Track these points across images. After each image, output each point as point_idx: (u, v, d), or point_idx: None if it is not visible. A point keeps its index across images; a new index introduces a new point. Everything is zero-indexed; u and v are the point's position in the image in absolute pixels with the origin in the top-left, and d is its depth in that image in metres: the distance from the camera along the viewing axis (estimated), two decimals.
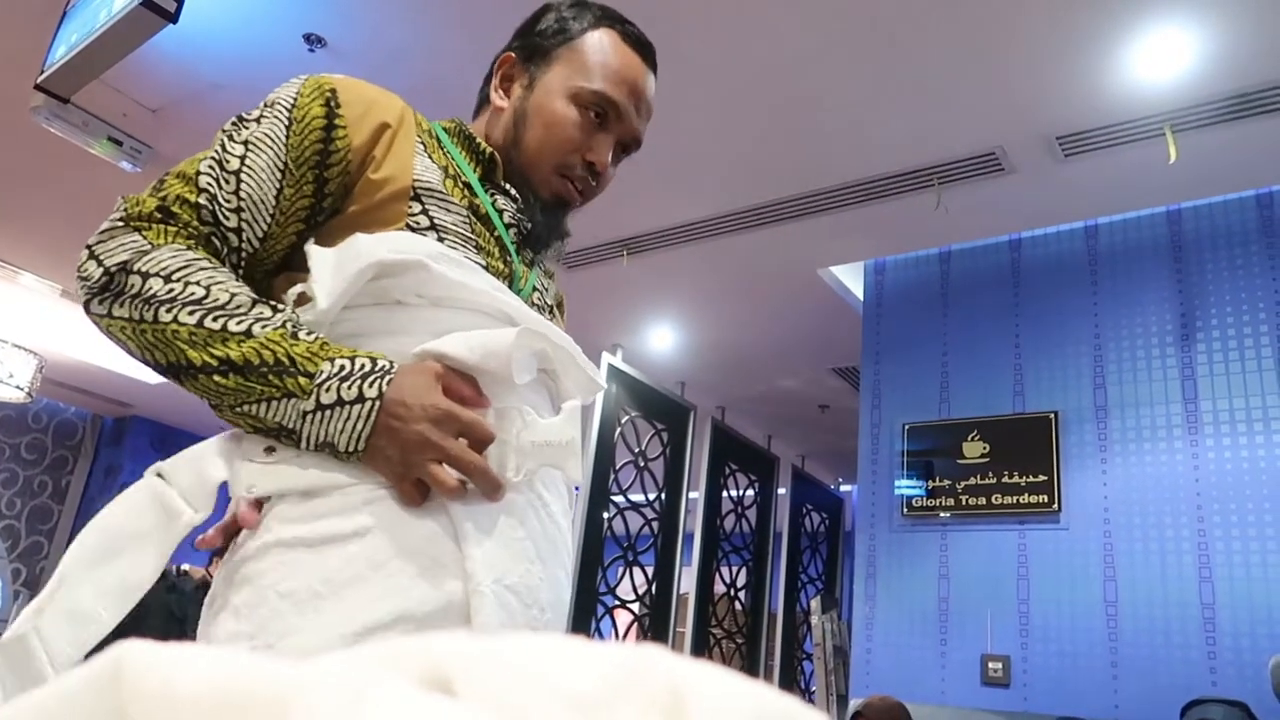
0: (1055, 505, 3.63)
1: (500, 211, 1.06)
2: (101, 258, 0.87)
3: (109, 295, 0.86)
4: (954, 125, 3.42)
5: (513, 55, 1.14)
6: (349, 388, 0.84)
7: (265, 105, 0.97)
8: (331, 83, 0.98)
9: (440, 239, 0.96)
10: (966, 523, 3.83)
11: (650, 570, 5.18)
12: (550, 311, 1.14)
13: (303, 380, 0.83)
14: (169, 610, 4.85)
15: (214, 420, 0.88)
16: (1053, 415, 3.75)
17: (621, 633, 5.22)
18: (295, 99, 0.96)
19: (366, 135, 0.97)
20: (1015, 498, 3.73)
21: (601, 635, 4.97)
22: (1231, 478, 3.34)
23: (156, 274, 0.85)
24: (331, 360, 0.85)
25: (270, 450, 0.87)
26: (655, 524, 5.22)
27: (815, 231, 4.20)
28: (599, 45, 1.10)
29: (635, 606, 5.11)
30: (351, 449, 0.84)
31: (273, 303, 0.89)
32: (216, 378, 0.84)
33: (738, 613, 6.12)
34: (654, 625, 5.11)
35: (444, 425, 0.84)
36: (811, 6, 2.93)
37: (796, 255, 4.45)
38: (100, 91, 3.41)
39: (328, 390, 0.83)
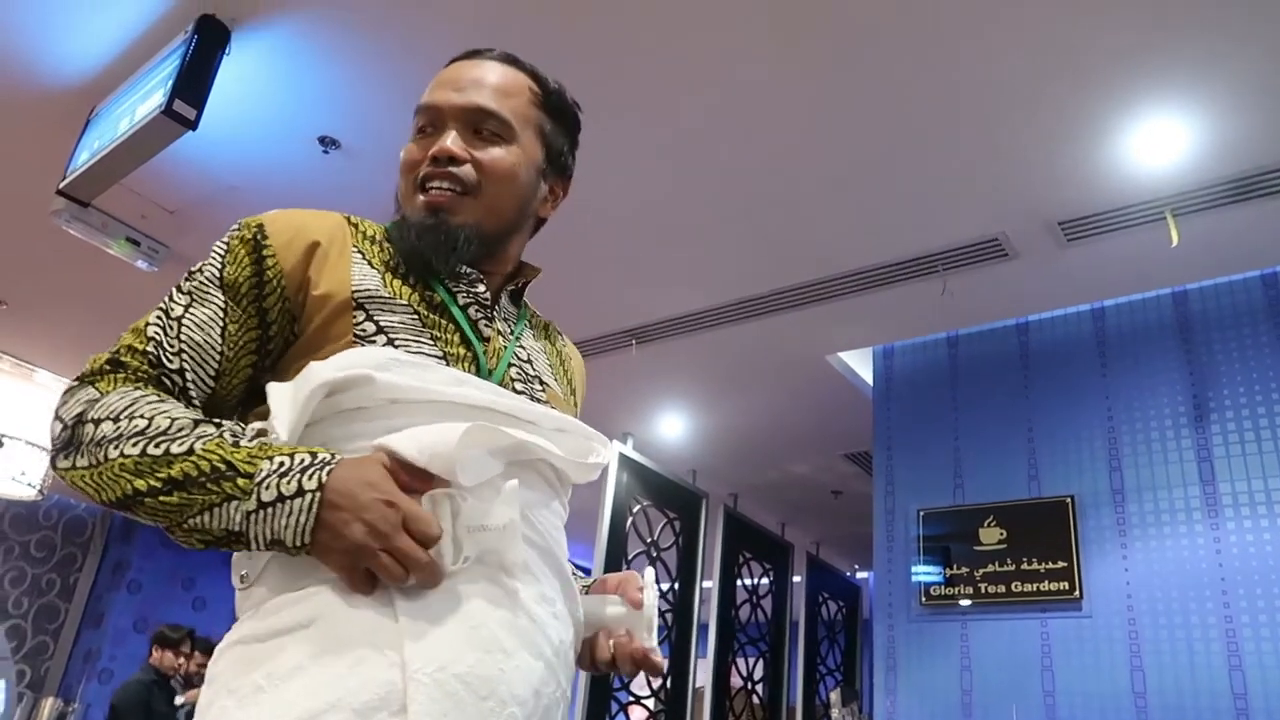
0: (1076, 592, 3.55)
1: (454, 294, 1.07)
2: (62, 415, 0.92)
3: (70, 448, 0.90)
4: (956, 212, 3.46)
5: None
6: (288, 483, 0.84)
7: (209, 254, 1.04)
8: (259, 219, 1.04)
9: (390, 341, 0.98)
10: (987, 611, 3.74)
11: (665, 664, 5.06)
12: (540, 383, 1.12)
13: (242, 481, 0.84)
14: (147, 706, 4.74)
15: None
16: (1069, 499, 3.70)
17: None
18: (229, 242, 1.02)
19: (297, 257, 1.01)
20: (1035, 585, 3.65)
21: None
22: (1255, 560, 3.28)
23: (106, 418, 0.89)
24: (270, 459, 0.85)
25: None
26: (669, 615, 5.13)
27: (823, 318, 4.22)
28: None
29: (650, 702, 4.98)
30: (298, 544, 0.84)
31: (217, 420, 0.91)
32: (162, 498, 0.85)
33: (755, 707, 5.95)
34: None
35: (386, 517, 0.83)
36: (814, 97, 3.00)
37: (805, 342, 4.46)
38: (119, 193, 3.48)
39: (268, 488, 0.84)
